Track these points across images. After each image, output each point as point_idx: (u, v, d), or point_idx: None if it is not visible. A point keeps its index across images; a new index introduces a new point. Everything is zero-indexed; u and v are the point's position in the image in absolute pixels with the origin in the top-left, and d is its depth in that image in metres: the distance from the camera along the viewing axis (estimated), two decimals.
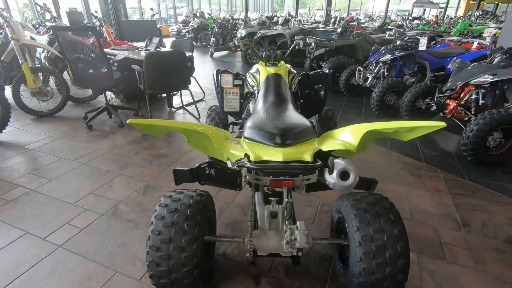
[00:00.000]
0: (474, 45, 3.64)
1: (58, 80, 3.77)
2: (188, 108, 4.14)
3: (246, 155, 1.13)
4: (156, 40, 4.15)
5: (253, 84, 1.86)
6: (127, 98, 4.32)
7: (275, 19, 10.83)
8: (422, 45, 3.76)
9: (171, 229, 1.20)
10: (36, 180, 2.33)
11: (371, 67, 4.25)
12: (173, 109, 4.10)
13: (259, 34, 6.14)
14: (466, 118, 2.99)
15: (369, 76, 4.19)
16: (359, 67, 4.28)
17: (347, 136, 1.17)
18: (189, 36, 11.55)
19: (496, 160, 2.60)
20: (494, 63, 2.88)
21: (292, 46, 2.14)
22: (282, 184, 1.14)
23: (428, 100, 3.33)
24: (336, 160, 1.05)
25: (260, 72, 1.79)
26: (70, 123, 3.53)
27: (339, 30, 5.19)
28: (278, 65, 1.97)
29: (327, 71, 2.09)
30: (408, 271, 1.19)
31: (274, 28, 7.04)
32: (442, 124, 1.01)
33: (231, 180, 1.68)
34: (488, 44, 3.21)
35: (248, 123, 1.29)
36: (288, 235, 1.31)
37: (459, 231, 1.85)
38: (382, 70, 4.09)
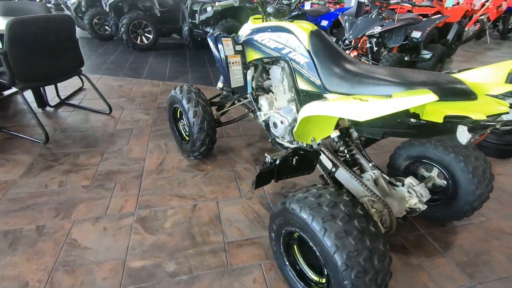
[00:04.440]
0: (350, 3, 4.43)
1: None
2: (73, 102, 2.87)
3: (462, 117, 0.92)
4: None
5: (282, 47, 1.50)
6: None
7: None
8: (308, 4, 4.17)
9: (364, 239, 0.90)
10: None
11: None
12: (50, 109, 2.74)
13: None
14: None
15: None
16: None
17: (491, 76, 1.16)
18: None
19: None
20: (373, 17, 3.61)
21: None
22: (481, 138, 1.06)
23: None
24: None
25: (294, 30, 1.45)
26: None
27: None
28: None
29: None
30: None
31: None
32: None
33: (307, 164, 1.41)
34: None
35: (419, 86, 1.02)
36: (412, 193, 1.28)
37: None
38: None
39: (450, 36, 5.16)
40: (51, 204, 1.60)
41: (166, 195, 1.71)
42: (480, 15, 6.75)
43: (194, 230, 1.47)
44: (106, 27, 5.76)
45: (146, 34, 5.08)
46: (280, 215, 1.10)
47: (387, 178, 1.37)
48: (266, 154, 1.51)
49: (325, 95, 1.32)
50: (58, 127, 2.41)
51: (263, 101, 1.84)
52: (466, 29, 6.18)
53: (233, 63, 1.63)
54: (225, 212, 1.60)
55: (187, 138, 2.06)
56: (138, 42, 5.04)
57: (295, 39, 1.44)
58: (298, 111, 1.61)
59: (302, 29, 1.44)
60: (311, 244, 1.00)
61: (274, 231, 1.18)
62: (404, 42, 4.06)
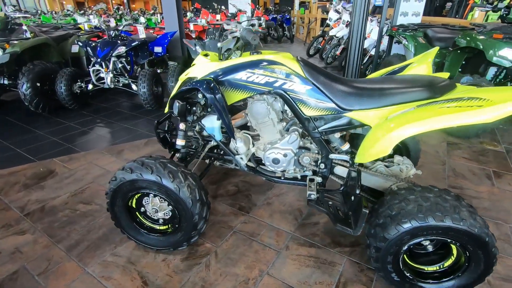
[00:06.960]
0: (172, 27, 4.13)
1: None
2: None
3: None
4: None
5: (273, 80, 1.36)
6: None
7: None
8: (141, 33, 3.75)
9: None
10: None
11: (97, 66, 3.54)
12: None
13: None
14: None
15: (105, 76, 3.53)
16: (94, 68, 3.43)
17: (420, 69, 1.59)
18: None
19: None
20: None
21: (247, 25, 1.56)
22: None
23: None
24: None
25: (284, 62, 1.35)
26: None
27: None
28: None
29: None
30: None
31: None
32: None
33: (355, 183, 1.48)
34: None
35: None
36: (408, 166, 1.64)
37: None
38: (120, 65, 3.62)
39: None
40: None
41: None
42: None
43: None
44: None
45: None
46: (406, 234, 1.11)
47: (385, 163, 1.66)
48: (308, 192, 1.40)
49: (345, 114, 1.39)
50: None
51: (238, 142, 1.63)
52: None
53: None
54: (287, 278, 1.35)
55: (166, 227, 1.48)
56: None
57: (288, 70, 1.39)
58: (304, 137, 1.59)
59: (290, 59, 1.41)
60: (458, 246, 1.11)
61: (393, 254, 1.17)
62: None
